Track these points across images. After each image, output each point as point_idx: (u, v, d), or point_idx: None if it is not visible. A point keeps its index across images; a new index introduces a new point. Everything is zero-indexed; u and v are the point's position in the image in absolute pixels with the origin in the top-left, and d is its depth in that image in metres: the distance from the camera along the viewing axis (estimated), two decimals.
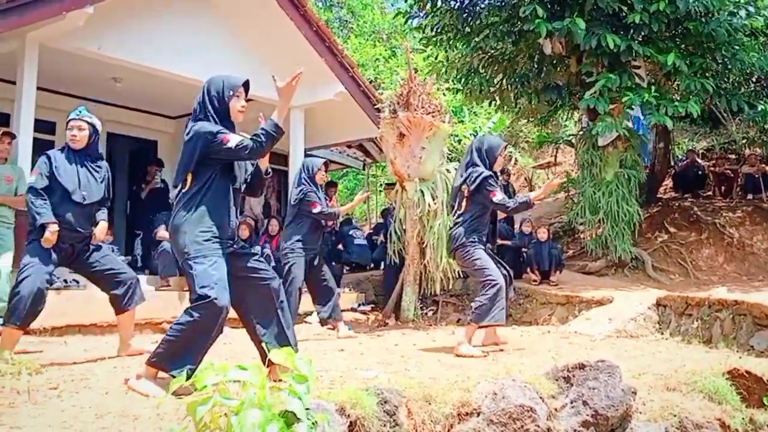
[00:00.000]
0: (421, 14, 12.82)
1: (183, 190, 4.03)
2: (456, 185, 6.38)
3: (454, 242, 6.18)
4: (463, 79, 12.54)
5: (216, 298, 3.72)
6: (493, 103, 13.43)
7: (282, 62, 10.23)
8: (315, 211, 7.23)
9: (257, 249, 9.67)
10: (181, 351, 3.79)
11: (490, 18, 11.13)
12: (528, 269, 10.22)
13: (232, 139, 3.91)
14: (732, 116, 14.48)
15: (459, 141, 17.72)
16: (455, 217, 6.25)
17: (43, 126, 8.92)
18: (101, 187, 5.47)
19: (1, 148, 7.03)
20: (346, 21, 26.75)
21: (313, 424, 2.86)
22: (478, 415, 3.79)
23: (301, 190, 7.29)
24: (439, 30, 12.38)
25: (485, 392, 3.88)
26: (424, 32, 12.93)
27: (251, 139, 3.93)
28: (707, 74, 10.38)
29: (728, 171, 14.31)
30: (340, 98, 10.47)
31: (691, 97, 9.84)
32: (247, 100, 4.29)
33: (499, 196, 6.10)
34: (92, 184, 5.41)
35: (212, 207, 3.98)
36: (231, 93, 4.10)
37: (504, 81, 12.53)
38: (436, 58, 13.31)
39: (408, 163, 8.69)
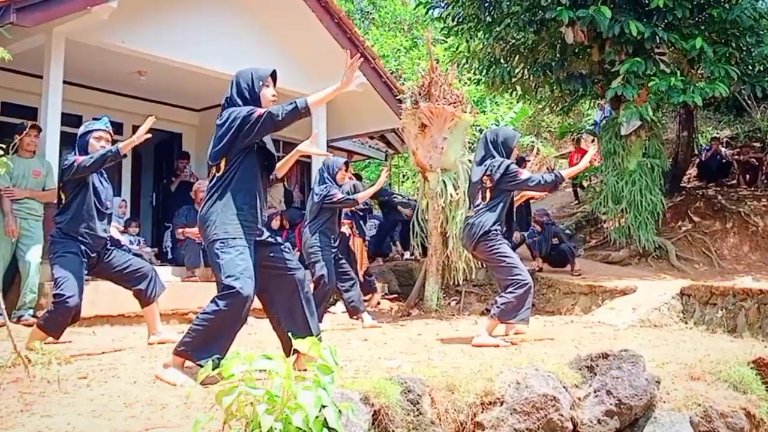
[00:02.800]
0: (443, 4, 12.80)
1: (217, 175, 4.07)
2: (475, 180, 6.24)
3: (476, 231, 5.98)
4: (484, 70, 12.50)
5: (241, 288, 3.76)
6: (515, 93, 13.38)
7: (304, 53, 10.28)
8: (335, 199, 7.30)
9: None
10: (208, 340, 3.83)
11: (512, 7, 11.07)
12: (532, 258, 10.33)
13: (259, 109, 3.99)
14: (756, 104, 14.32)
15: (481, 131, 17.66)
16: (475, 208, 6.17)
17: (70, 119, 9.01)
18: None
19: (28, 142, 7.12)
20: (368, 12, 26.71)
21: (337, 412, 2.89)
22: (502, 404, 3.80)
23: (325, 188, 7.35)
24: (460, 20, 12.34)
25: (508, 381, 3.90)
26: (445, 22, 12.89)
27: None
28: (731, 61, 10.27)
29: (753, 159, 14.15)
30: (362, 89, 10.47)
31: (717, 81, 9.74)
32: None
33: (526, 173, 6.09)
34: (109, 192, 5.56)
35: (241, 193, 4.02)
36: (261, 83, 4.16)
37: (526, 71, 12.48)
38: (457, 49, 13.27)
39: (430, 154, 8.70)
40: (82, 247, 5.24)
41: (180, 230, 9.03)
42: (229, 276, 3.80)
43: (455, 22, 12.46)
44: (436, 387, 3.72)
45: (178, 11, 9.06)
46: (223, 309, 3.78)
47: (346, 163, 7.87)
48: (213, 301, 3.84)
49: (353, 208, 9.28)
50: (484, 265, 9.32)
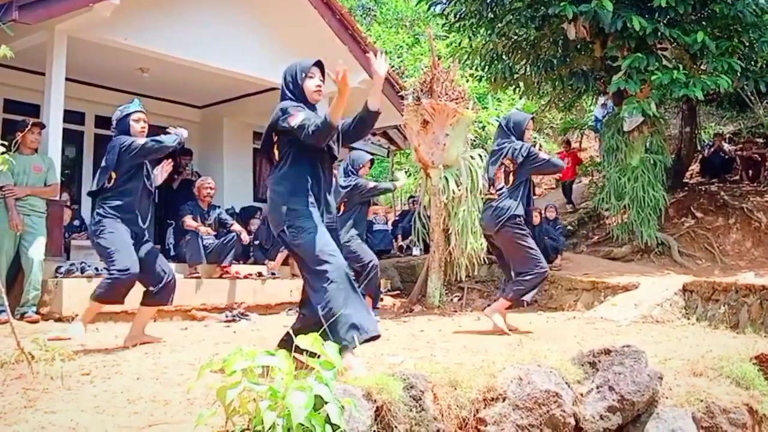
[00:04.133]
0: (444, 1, 12.80)
1: (274, 164, 4.07)
2: (493, 161, 6.39)
3: (501, 214, 6.14)
4: (486, 66, 12.50)
5: (331, 258, 3.78)
6: (517, 89, 13.36)
7: (306, 50, 10.25)
8: (369, 187, 7.43)
9: None
10: (347, 322, 3.73)
11: (514, 3, 11.08)
12: None
13: (297, 118, 3.90)
14: (759, 99, 14.30)
15: (483, 128, 17.64)
16: (498, 192, 6.28)
17: (72, 116, 9.02)
18: None
19: (31, 139, 7.13)
20: (369, 8, 26.68)
21: (340, 408, 2.89)
22: (504, 400, 3.80)
23: (354, 179, 7.43)
24: (462, 16, 12.34)
25: (511, 377, 3.89)
26: (447, 19, 12.89)
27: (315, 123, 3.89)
28: (735, 56, 10.26)
29: (756, 155, 14.13)
30: (364, 86, 10.44)
31: (720, 75, 9.72)
32: (317, 83, 4.22)
33: (544, 154, 6.37)
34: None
35: (300, 178, 3.98)
36: (303, 75, 4.13)
37: (528, 67, 12.48)
38: (459, 45, 13.27)
39: (432, 150, 8.69)
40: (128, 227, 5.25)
41: (196, 225, 8.87)
42: (321, 251, 3.79)
43: (457, 19, 12.45)
44: (439, 383, 3.71)
45: (180, 8, 9.06)
46: (332, 288, 3.74)
47: (372, 161, 7.88)
48: (315, 292, 3.79)
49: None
50: (486, 261, 9.37)
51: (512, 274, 6.41)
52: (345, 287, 3.77)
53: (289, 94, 4.10)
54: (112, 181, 5.28)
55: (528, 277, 6.11)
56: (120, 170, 5.27)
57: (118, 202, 5.22)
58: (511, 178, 6.25)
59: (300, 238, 3.86)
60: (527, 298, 6.24)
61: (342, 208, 7.38)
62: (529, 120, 6.52)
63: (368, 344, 5.35)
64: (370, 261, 7.36)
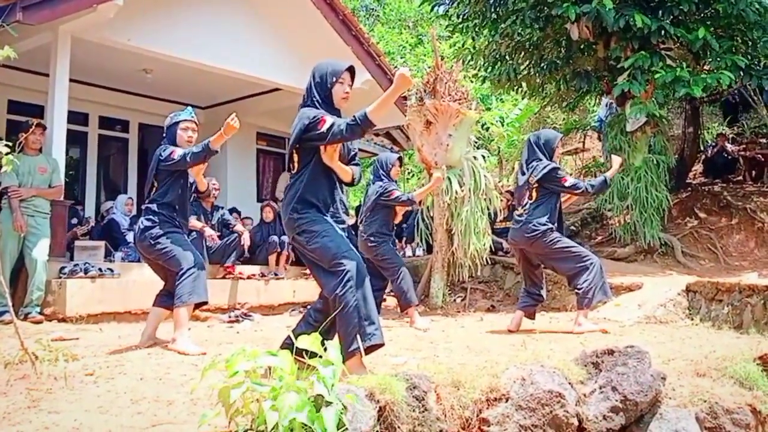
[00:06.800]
0: (447, 1, 12.79)
1: (293, 172, 4.03)
2: (521, 183, 6.49)
3: (532, 229, 6.23)
4: (489, 67, 12.49)
5: (346, 259, 3.74)
6: (520, 90, 13.34)
7: (309, 51, 10.30)
8: (392, 196, 7.22)
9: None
10: (362, 325, 3.71)
11: (517, 4, 11.06)
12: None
13: (327, 121, 3.81)
14: (762, 99, 14.26)
15: (486, 128, 17.64)
16: (523, 207, 6.41)
17: (76, 117, 9.02)
18: None
19: (33, 140, 7.15)
20: (372, 9, 26.71)
21: (343, 408, 2.89)
22: (507, 400, 3.80)
23: (381, 185, 7.29)
24: (465, 17, 12.33)
25: (514, 378, 3.89)
26: (450, 19, 12.88)
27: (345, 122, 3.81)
28: (738, 53, 10.23)
29: (759, 155, 14.09)
30: (367, 86, 10.47)
31: (722, 71, 9.68)
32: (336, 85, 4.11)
33: (570, 180, 6.40)
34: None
35: (314, 187, 3.93)
36: (334, 79, 4.03)
37: (531, 68, 12.46)
38: (462, 46, 13.25)
39: (435, 151, 8.69)
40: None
41: (201, 226, 8.84)
42: (335, 254, 3.77)
43: (460, 19, 12.45)
44: (442, 383, 3.71)
45: (183, 9, 9.08)
46: (349, 285, 3.70)
47: (400, 158, 7.80)
48: (335, 295, 3.73)
49: None
50: (489, 262, 9.38)
51: (535, 287, 6.61)
52: (362, 286, 3.74)
53: (316, 95, 4.01)
54: (155, 188, 5.34)
55: (586, 276, 6.15)
56: (159, 177, 5.33)
57: (169, 208, 5.30)
58: (533, 193, 6.37)
59: (314, 243, 3.84)
60: (603, 292, 6.27)
61: (369, 213, 7.34)
62: (559, 139, 6.60)
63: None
64: (399, 265, 7.24)
